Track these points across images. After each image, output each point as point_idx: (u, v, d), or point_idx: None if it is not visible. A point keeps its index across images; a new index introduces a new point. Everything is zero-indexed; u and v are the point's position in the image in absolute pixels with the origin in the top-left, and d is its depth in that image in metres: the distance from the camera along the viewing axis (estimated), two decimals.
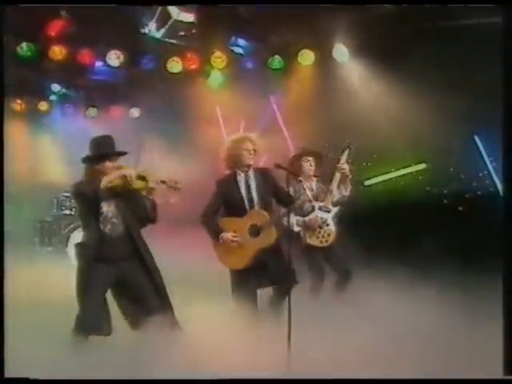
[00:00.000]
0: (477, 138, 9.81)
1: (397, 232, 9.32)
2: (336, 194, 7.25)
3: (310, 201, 7.26)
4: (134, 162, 6.03)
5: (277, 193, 6.31)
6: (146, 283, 5.54)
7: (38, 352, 5.28)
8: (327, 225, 7.20)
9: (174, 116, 11.72)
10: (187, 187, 12.10)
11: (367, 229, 9.23)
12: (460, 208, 9.78)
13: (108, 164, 5.45)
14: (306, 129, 10.59)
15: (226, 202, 6.29)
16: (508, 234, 4.38)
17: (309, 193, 7.30)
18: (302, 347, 5.28)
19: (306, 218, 7.16)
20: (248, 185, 6.29)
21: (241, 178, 6.30)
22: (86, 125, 12.84)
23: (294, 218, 6.98)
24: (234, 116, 11.54)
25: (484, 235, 8.16)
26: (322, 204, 7.24)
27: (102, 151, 5.52)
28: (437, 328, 5.69)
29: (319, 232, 7.18)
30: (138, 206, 5.47)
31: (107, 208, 5.44)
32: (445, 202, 9.92)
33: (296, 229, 7.11)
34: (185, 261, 9.20)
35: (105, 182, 5.27)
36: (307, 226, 7.17)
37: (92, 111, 13.21)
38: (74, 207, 12.02)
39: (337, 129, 10.12)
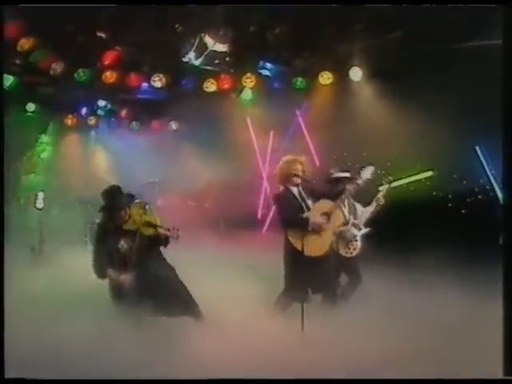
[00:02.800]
0: (478, 149, 9.99)
1: (406, 232, 9.50)
2: (367, 216, 7.63)
3: (345, 215, 7.48)
4: None
5: (321, 195, 6.74)
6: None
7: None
8: (356, 240, 7.50)
9: (209, 128, 12.07)
10: (221, 191, 12.70)
11: (379, 229, 8.82)
12: (463, 211, 9.96)
13: (120, 212, 6.20)
14: (326, 140, 11.04)
15: (288, 210, 6.59)
16: (508, 235, 4.45)
17: (344, 210, 7.50)
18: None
19: (343, 229, 7.40)
20: (302, 197, 6.66)
21: (295, 191, 6.68)
22: (130, 137, 13.38)
23: None
24: (263, 127, 12.01)
25: (484, 235, 8.23)
26: (355, 221, 7.57)
27: (113, 203, 6.27)
28: (437, 328, 5.72)
29: (349, 244, 7.45)
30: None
31: (123, 243, 6.18)
32: (449, 205, 10.11)
33: (332, 238, 7.28)
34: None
35: (123, 216, 6.16)
36: (342, 237, 7.45)
37: (135, 125, 13.66)
38: None
39: (354, 140, 10.46)
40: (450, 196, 10.23)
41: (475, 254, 8.23)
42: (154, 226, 6.15)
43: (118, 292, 6.16)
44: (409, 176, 10.54)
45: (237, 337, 5.59)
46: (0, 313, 4.69)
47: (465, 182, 10.13)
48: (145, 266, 6.15)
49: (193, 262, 6.55)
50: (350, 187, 7.29)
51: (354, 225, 7.59)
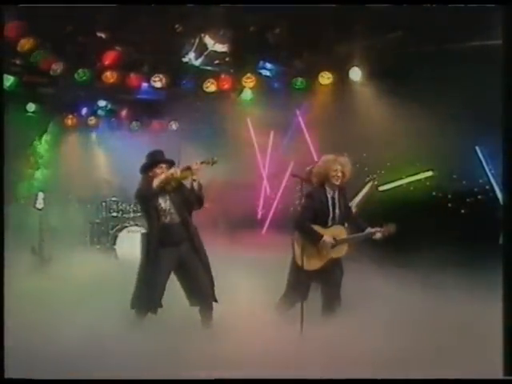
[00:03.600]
0: (478, 149, 10.00)
1: (406, 232, 9.25)
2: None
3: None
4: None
5: (348, 213, 6.65)
6: (199, 262, 6.26)
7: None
8: None
9: (209, 128, 12.05)
10: (221, 191, 12.71)
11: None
12: (462, 211, 10.01)
13: (158, 170, 6.20)
14: (326, 140, 10.78)
15: (315, 212, 6.37)
16: (508, 235, 4.43)
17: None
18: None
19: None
20: (334, 202, 6.42)
21: (329, 194, 6.42)
22: (130, 137, 13.30)
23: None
24: (263, 128, 12.00)
25: (484, 235, 8.27)
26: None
27: (155, 159, 6.31)
28: (437, 328, 5.73)
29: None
30: (187, 192, 6.20)
31: (164, 203, 6.22)
32: (449, 205, 10.15)
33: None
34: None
35: (156, 181, 6.09)
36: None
37: (135, 125, 13.62)
38: (121, 210, 12.62)
39: (354, 141, 10.24)
40: (449, 196, 10.27)
41: (475, 254, 8.24)
42: (188, 168, 6.16)
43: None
44: (408, 176, 10.63)
45: (236, 337, 5.59)
46: (0, 313, 4.67)
47: (464, 182, 10.17)
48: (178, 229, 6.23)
49: None
50: None
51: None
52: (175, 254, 6.18)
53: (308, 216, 6.38)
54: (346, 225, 6.60)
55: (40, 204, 12.01)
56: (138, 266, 6.21)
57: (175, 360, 5.07)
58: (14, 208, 11.47)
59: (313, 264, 6.33)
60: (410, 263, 8.12)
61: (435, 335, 5.52)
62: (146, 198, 6.24)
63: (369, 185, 7.73)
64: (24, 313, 6.17)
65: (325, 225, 6.40)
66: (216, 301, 6.22)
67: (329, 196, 6.42)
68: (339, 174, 6.35)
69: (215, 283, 6.29)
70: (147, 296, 6.05)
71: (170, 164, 6.30)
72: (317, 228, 6.35)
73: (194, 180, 6.16)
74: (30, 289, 7.70)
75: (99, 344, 5.36)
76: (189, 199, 6.24)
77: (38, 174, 13.48)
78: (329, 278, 6.40)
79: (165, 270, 6.13)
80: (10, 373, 4.47)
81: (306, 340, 5.70)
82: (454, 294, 6.68)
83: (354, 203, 7.67)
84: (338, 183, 6.38)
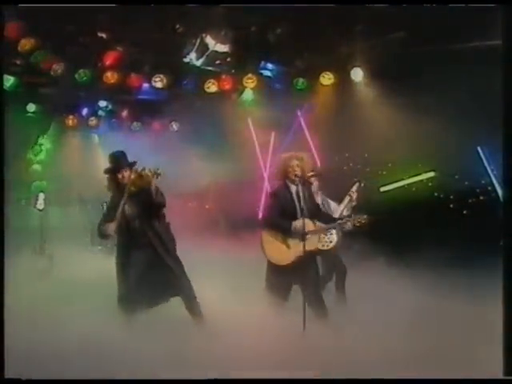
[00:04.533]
0: (480, 150, 10.10)
1: (407, 232, 9.63)
2: (341, 212, 7.75)
3: None
4: None
5: (314, 206, 6.81)
6: (167, 267, 6.34)
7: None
8: (331, 234, 7.52)
9: (210, 129, 12.04)
10: (222, 192, 12.73)
11: (382, 229, 9.07)
12: (464, 211, 10.11)
13: (124, 174, 6.46)
14: (328, 141, 11.05)
15: (281, 208, 6.60)
16: (508, 236, 4.52)
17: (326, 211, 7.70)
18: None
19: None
20: (298, 196, 6.62)
21: (293, 189, 6.65)
22: (131, 137, 13.22)
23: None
24: (264, 128, 12.02)
25: (486, 236, 8.21)
26: None
27: (119, 164, 6.56)
28: (437, 328, 5.80)
29: (323, 238, 7.39)
30: (147, 197, 6.28)
31: (126, 208, 6.37)
32: (451, 206, 10.26)
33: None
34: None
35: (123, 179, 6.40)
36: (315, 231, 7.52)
37: (136, 125, 13.56)
38: None
39: (356, 141, 10.61)
40: (451, 197, 10.36)
41: (476, 255, 8.27)
42: (141, 176, 6.30)
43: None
44: (410, 177, 10.71)
45: (237, 336, 5.61)
46: (0, 313, 4.70)
47: (466, 183, 10.25)
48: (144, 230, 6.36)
49: (193, 263, 6.53)
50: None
51: None
52: (143, 257, 6.32)
53: (274, 214, 6.65)
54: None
55: (41, 205, 12.07)
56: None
57: (175, 359, 5.09)
58: (14, 209, 11.53)
59: (285, 258, 6.53)
60: (411, 263, 8.15)
61: (435, 335, 5.55)
62: (110, 201, 6.58)
63: (355, 186, 7.80)
64: (24, 313, 6.19)
65: (294, 219, 6.58)
66: (195, 297, 6.31)
67: (293, 191, 6.67)
68: (296, 169, 6.62)
69: (215, 283, 6.31)
70: (128, 295, 6.19)
71: (132, 166, 6.50)
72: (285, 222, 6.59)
73: (151, 186, 6.26)
74: (30, 289, 7.73)
75: (99, 344, 5.37)
76: (148, 204, 6.34)
77: (39, 175, 13.51)
78: (305, 275, 6.49)
79: (136, 270, 6.26)
80: (10, 373, 4.50)
81: (308, 339, 5.75)
82: (455, 294, 6.72)
83: (342, 205, 7.83)
84: (296, 178, 6.62)
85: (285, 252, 6.55)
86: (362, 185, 7.93)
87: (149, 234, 6.38)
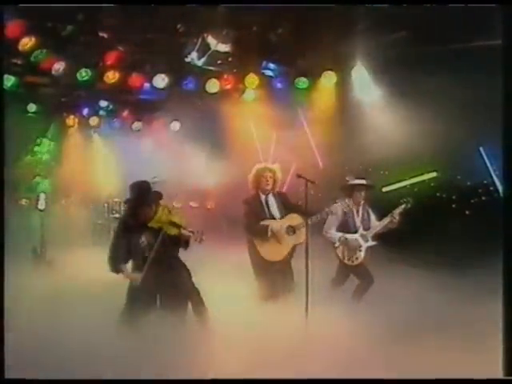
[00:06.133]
0: (482, 150, 10.05)
1: (409, 233, 9.29)
2: (379, 230, 7.79)
3: (355, 224, 7.75)
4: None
5: (292, 209, 7.22)
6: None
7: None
8: (360, 250, 7.67)
9: (211, 128, 12.23)
10: (223, 191, 12.76)
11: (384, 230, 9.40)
12: (467, 212, 10.08)
13: (146, 208, 6.16)
14: (330, 141, 11.08)
15: (254, 215, 7.17)
16: (508, 236, 4.51)
17: (356, 218, 7.78)
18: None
19: (348, 237, 7.64)
20: (268, 204, 7.23)
21: (262, 198, 7.25)
22: (132, 137, 13.53)
23: (337, 235, 7.68)
24: (266, 128, 12.06)
25: (487, 237, 7.72)
26: (364, 232, 7.74)
27: (141, 197, 6.19)
28: (437, 328, 5.82)
29: (352, 253, 7.65)
30: (175, 234, 6.16)
31: (145, 238, 6.18)
32: (453, 206, 10.23)
33: (337, 244, 7.68)
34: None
35: (149, 213, 6.12)
36: (346, 245, 7.66)
37: (137, 125, 13.79)
38: (123, 211, 12.72)
39: (357, 141, 10.59)
40: (453, 197, 10.35)
41: (478, 255, 8.13)
42: (179, 227, 6.14)
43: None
44: (412, 177, 10.71)
45: (237, 336, 5.65)
46: (0, 313, 4.69)
47: (468, 183, 10.27)
48: (161, 265, 6.14)
49: (195, 263, 6.55)
50: (362, 194, 7.78)
51: (361, 235, 7.72)
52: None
53: (250, 220, 7.16)
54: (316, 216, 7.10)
55: (42, 205, 12.13)
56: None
57: (175, 359, 5.11)
58: (15, 209, 11.58)
59: (277, 254, 7.03)
60: (412, 263, 8.16)
61: (435, 335, 5.56)
62: (130, 230, 6.20)
63: (400, 208, 7.80)
64: (25, 313, 6.23)
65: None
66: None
67: (262, 200, 7.24)
68: (268, 180, 7.23)
69: (215, 283, 6.33)
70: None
71: (158, 199, 6.28)
72: (268, 221, 7.09)
73: (184, 229, 6.15)
74: (31, 289, 7.74)
75: (100, 345, 5.39)
76: (173, 245, 6.21)
77: (40, 175, 13.56)
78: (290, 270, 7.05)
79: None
80: (10, 373, 4.50)
81: (310, 338, 5.82)
82: (456, 293, 6.76)
83: (382, 223, 7.83)
84: (269, 188, 7.24)
85: (277, 248, 7.03)
86: (409, 206, 7.88)
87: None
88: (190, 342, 5.47)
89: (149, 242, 6.14)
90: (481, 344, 5.02)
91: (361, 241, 7.67)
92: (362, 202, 7.87)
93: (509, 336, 4.29)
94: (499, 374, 4.27)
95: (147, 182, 6.37)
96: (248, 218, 7.18)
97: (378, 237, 7.92)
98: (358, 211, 7.81)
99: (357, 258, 7.63)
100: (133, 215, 6.25)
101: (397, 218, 7.71)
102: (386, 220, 7.73)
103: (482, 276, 6.88)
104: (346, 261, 7.66)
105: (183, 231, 6.12)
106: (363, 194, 7.83)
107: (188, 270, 6.36)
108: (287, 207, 7.24)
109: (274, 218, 7.10)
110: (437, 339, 5.44)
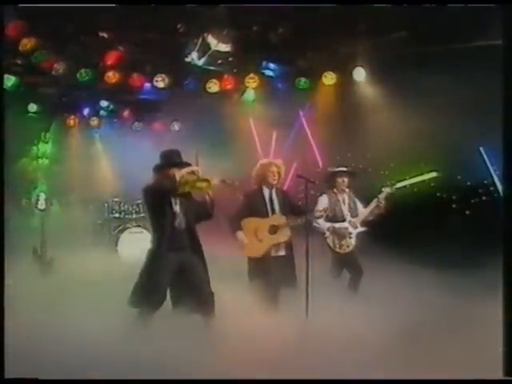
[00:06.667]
0: (482, 150, 10.08)
1: (410, 233, 9.63)
2: (367, 216, 7.91)
3: (342, 212, 7.91)
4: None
5: (293, 208, 7.24)
6: (198, 263, 6.18)
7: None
8: (350, 237, 7.86)
9: (211, 129, 12.01)
10: (224, 192, 12.78)
11: (384, 230, 9.16)
12: (467, 212, 10.10)
13: (175, 170, 6.03)
14: (330, 141, 11.10)
15: (252, 210, 7.19)
16: (508, 236, 4.53)
17: (343, 207, 7.96)
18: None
19: (337, 226, 7.82)
20: (271, 199, 7.21)
21: (266, 193, 7.23)
22: (132, 137, 13.39)
23: (325, 224, 7.84)
24: (266, 128, 12.04)
25: (487, 237, 7.88)
26: (352, 220, 7.90)
27: (172, 161, 6.21)
28: (437, 328, 5.82)
29: (342, 241, 7.84)
30: (198, 203, 6.15)
31: (175, 206, 6.10)
32: (453, 206, 10.25)
33: (326, 234, 7.85)
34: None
35: (178, 176, 5.93)
36: (335, 233, 7.84)
37: (138, 125, 13.69)
38: (123, 211, 12.69)
39: (358, 141, 10.61)
40: (454, 197, 10.36)
41: (479, 255, 8.19)
42: (207, 180, 6.04)
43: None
44: (413, 177, 10.21)
45: (238, 336, 5.61)
46: (0, 313, 4.70)
47: (469, 183, 10.28)
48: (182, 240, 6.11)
49: None
50: (344, 181, 7.97)
51: (350, 222, 7.89)
52: (177, 259, 6.08)
53: (240, 213, 7.24)
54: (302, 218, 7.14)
55: (42, 205, 12.12)
56: (142, 265, 6.07)
57: (175, 359, 5.08)
58: (15, 209, 11.58)
59: (256, 251, 7.09)
60: (413, 263, 8.15)
61: (435, 335, 5.57)
62: (159, 198, 6.03)
63: (385, 192, 7.86)
64: (25, 313, 6.20)
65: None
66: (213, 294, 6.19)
67: (266, 195, 7.24)
68: (275, 176, 7.21)
69: (216, 282, 6.30)
70: (149, 297, 5.91)
71: (186, 166, 6.17)
72: (252, 219, 7.15)
73: (209, 194, 6.12)
74: (31, 289, 7.73)
75: (100, 344, 5.37)
76: (199, 210, 6.19)
77: (40, 175, 13.57)
78: (282, 268, 7.04)
79: (168, 273, 6.03)
80: (10, 373, 4.50)
81: (310, 338, 5.78)
82: (456, 293, 6.77)
83: (368, 209, 7.94)
84: (274, 183, 7.23)
85: (257, 244, 7.10)
86: (394, 189, 7.99)
87: (194, 237, 6.18)
88: (189, 341, 5.42)
89: (182, 215, 6.08)
90: (481, 344, 5.00)
91: (350, 228, 7.84)
92: (347, 190, 8.06)
93: (509, 336, 4.31)
94: (499, 374, 4.28)
95: (177, 150, 6.46)
96: (239, 211, 7.23)
97: (379, 237, 8.01)
98: (343, 200, 8.01)
99: (348, 246, 7.84)
100: (161, 184, 6.10)
101: (383, 202, 7.85)
102: (372, 205, 7.87)
103: (482, 276, 6.94)
104: (337, 249, 7.83)
105: (212, 182, 6.07)
106: (346, 180, 8.02)
107: (205, 267, 6.28)
108: (288, 205, 7.25)
109: (274, 213, 7.13)
110: (437, 339, 5.43)
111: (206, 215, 6.27)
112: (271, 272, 6.94)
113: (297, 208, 7.24)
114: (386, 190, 7.91)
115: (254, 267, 7.08)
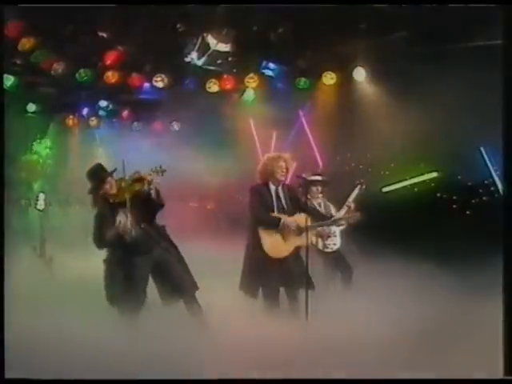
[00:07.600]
0: (482, 150, 10.02)
1: (410, 233, 9.57)
2: (341, 218, 7.75)
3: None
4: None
5: (300, 207, 6.94)
6: (172, 257, 6.22)
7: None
8: (335, 236, 7.98)
9: (211, 129, 12.15)
10: (223, 192, 12.80)
11: (385, 230, 9.48)
12: (467, 212, 10.07)
13: (107, 186, 6.09)
14: (330, 141, 11.11)
15: (261, 205, 6.81)
16: (509, 236, 4.55)
17: (320, 209, 7.96)
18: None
19: (319, 228, 7.66)
20: (278, 196, 6.85)
21: (272, 189, 6.85)
22: (132, 137, 13.37)
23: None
24: (266, 128, 12.06)
25: (488, 237, 7.81)
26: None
27: (100, 176, 6.15)
28: (437, 328, 5.80)
29: (327, 240, 7.93)
30: (146, 200, 6.06)
31: (122, 218, 6.04)
32: (454, 206, 10.22)
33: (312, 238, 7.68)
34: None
35: (114, 189, 6.04)
36: (319, 235, 7.86)
37: (137, 125, 13.71)
38: None
39: (358, 141, 10.66)
40: (454, 197, 10.33)
41: (479, 255, 8.09)
42: (141, 179, 6.02)
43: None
44: (413, 177, 10.70)
45: (238, 336, 5.66)
46: (0, 313, 4.73)
47: (469, 183, 10.23)
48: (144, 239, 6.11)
49: (194, 263, 6.55)
50: (318, 189, 8.05)
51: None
52: (149, 260, 6.14)
53: (259, 208, 6.81)
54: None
55: (41, 205, 12.12)
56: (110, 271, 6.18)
57: (175, 359, 5.11)
58: (15, 209, 11.60)
59: (280, 251, 6.70)
60: (413, 264, 8.15)
61: (435, 335, 5.57)
62: (103, 215, 6.09)
63: (354, 192, 7.86)
64: (24, 313, 6.19)
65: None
66: (197, 288, 6.23)
67: (272, 191, 6.87)
68: (284, 170, 6.84)
69: (216, 282, 6.32)
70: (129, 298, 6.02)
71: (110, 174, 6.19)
72: (278, 214, 6.77)
73: (151, 189, 6.05)
74: (30, 289, 7.72)
75: (99, 344, 5.38)
76: (148, 207, 6.14)
77: (39, 175, 13.58)
78: (293, 267, 6.76)
79: (142, 276, 6.12)
80: (10, 373, 4.51)
81: (310, 337, 5.79)
82: (456, 293, 6.79)
83: (340, 214, 7.84)
84: (283, 178, 6.87)
85: (281, 245, 6.72)
86: (364, 187, 7.91)
87: (155, 235, 6.21)
88: (189, 341, 5.44)
89: (124, 220, 6.02)
90: (481, 344, 4.99)
91: (332, 227, 7.84)
92: (321, 196, 8.13)
93: (509, 336, 4.34)
94: (499, 374, 4.31)
95: (98, 164, 6.39)
96: (255, 206, 6.82)
97: (379, 237, 8.03)
98: (319, 204, 8.08)
99: (335, 244, 7.96)
100: (98, 199, 6.15)
101: (352, 205, 7.72)
102: (343, 210, 7.75)
103: (482, 276, 6.86)
104: (324, 250, 7.90)
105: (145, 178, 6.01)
106: (319, 188, 8.09)
107: (180, 256, 6.31)
108: (296, 203, 6.94)
109: (283, 211, 6.79)
110: (437, 339, 5.44)
111: (157, 207, 6.22)
112: (281, 272, 6.71)
113: (303, 207, 6.94)
114: (355, 192, 7.82)
115: (262, 267, 6.71)
